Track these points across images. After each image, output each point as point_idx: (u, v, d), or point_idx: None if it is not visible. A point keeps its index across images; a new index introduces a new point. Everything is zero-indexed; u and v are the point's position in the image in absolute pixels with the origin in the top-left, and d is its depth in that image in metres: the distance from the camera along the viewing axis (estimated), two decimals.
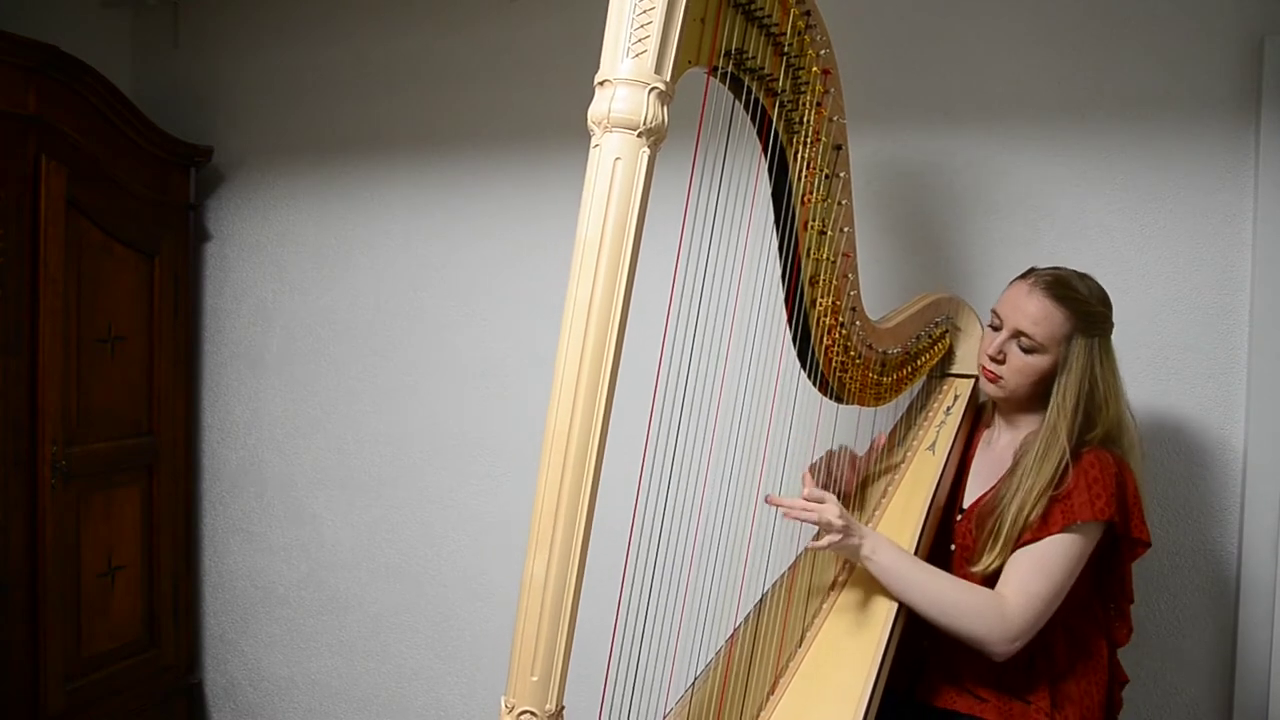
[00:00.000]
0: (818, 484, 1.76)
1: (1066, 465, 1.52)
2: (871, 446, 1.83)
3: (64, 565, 2.61)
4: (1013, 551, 1.53)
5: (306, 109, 3.02)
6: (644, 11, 0.96)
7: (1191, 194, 2.03)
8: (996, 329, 1.66)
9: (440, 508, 2.87)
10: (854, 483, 1.80)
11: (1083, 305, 1.60)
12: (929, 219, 2.25)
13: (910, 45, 2.26)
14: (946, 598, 1.49)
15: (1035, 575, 1.49)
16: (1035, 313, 1.59)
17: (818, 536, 1.53)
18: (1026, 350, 1.61)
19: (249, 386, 3.15)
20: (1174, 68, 2.03)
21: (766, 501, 1.53)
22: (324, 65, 2.98)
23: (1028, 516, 1.52)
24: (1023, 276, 1.67)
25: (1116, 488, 1.52)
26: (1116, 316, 2.06)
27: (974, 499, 1.70)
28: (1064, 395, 1.58)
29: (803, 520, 1.51)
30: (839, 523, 1.49)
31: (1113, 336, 1.66)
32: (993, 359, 1.65)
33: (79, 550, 2.68)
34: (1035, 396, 1.64)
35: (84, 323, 2.67)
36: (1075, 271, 1.66)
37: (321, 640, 3.07)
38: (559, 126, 2.56)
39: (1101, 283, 2.06)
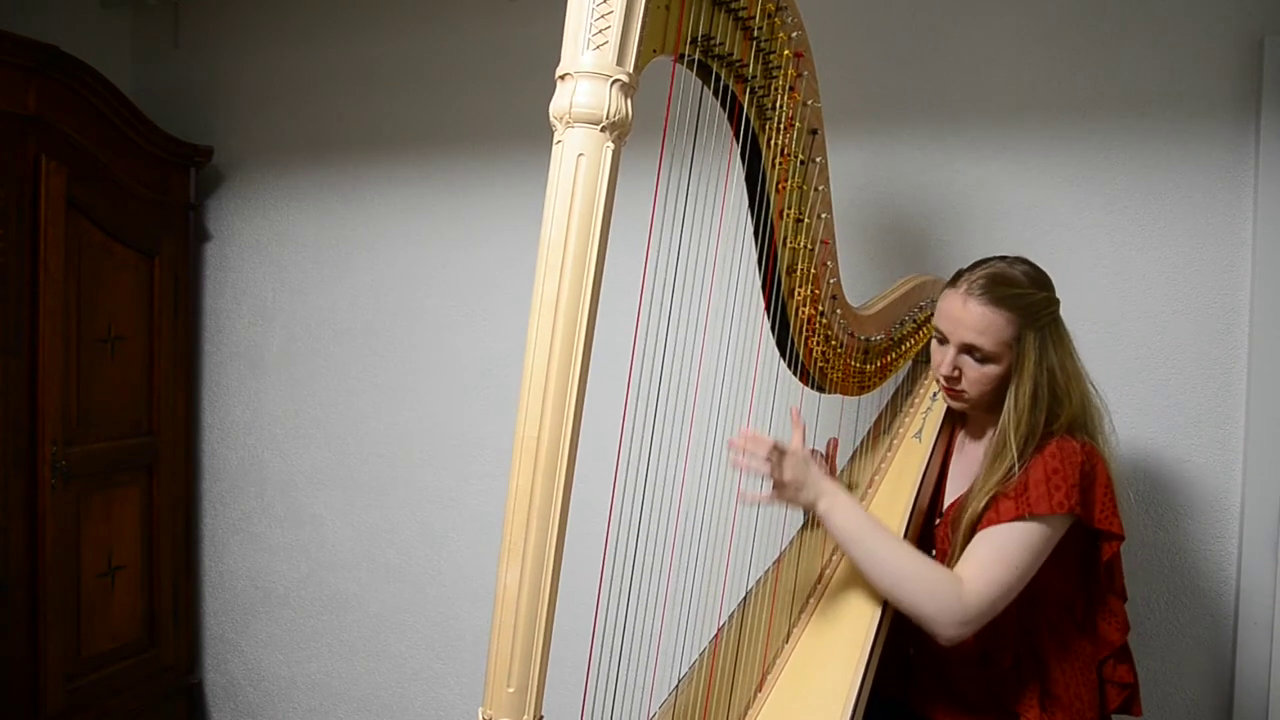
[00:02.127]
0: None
1: (1015, 471, 1.47)
2: (827, 455, 1.76)
3: (64, 565, 2.62)
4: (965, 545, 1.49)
5: (306, 109, 3.02)
6: (604, 1, 0.94)
7: (1191, 194, 2.02)
8: (942, 342, 1.58)
9: (440, 508, 2.87)
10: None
11: (1022, 299, 1.51)
12: (929, 219, 2.25)
13: (911, 45, 2.25)
14: (901, 569, 1.43)
15: (995, 560, 1.43)
16: (976, 323, 1.51)
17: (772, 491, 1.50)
18: (981, 361, 1.53)
19: (249, 387, 3.15)
20: (1174, 68, 2.02)
21: (730, 444, 1.48)
22: (324, 65, 2.98)
23: (976, 510, 1.48)
24: (952, 284, 1.57)
25: (1081, 478, 1.46)
26: (1116, 315, 2.07)
27: (951, 502, 1.67)
28: (1017, 398, 1.51)
29: (750, 466, 1.47)
30: (788, 475, 1.46)
31: (1070, 324, 1.59)
32: (949, 377, 1.57)
33: (79, 550, 2.68)
34: (1003, 397, 1.56)
35: (84, 323, 2.67)
36: (1004, 259, 1.58)
37: (321, 640, 3.07)
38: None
39: (1101, 284, 2.07)
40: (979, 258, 1.64)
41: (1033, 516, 1.44)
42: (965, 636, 1.42)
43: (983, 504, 1.49)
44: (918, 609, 1.42)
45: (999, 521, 1.45)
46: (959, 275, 1.58)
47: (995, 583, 1.42)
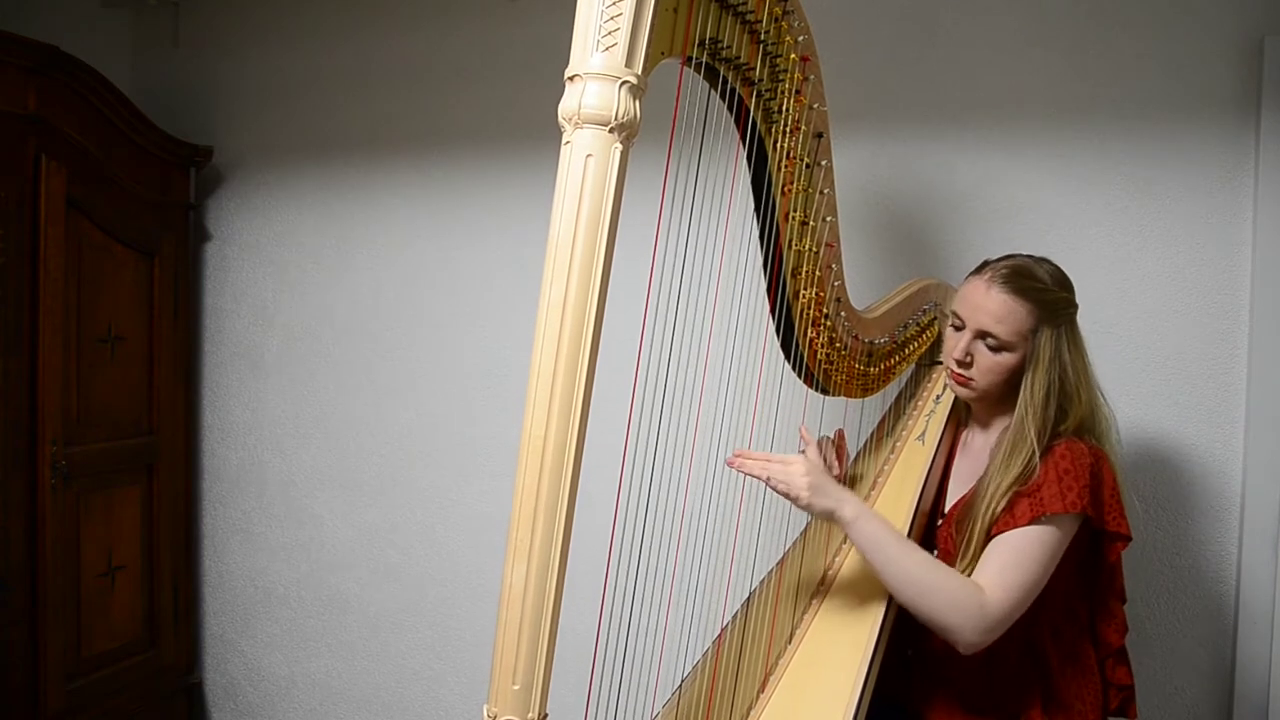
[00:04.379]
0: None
1: (1034, 462, 1.48)
2: (836, 445, 1.76)
3: (64, 565, 2.61)
4: (983, 547, 1.48)
5: (306, 109, 3.02)
6: (614, 3, 0.94)
7: (1191, 194, 2.03)
8: (958, 329, 1.59)
9: (440, 508, 2.87)
10: (843, 472, 1.76)
11: (1045, 294, 1.53)
12: (929, 219, 2.25)
13: (911, 46, 2.26)
14: (926, 579, 1.43)
15: (1012, 566, 1.43)
16: (997, 310, 1.52)
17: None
18: (994, 350, 1.55)
19: (249, 387, 3.15)
20: (1174, 68, 2.03)
21: (728, 464, 1.47)
22: (324, 65, 2.98)
23: (994, 511, 1.48)
24: (977, 272, 1.59)
25: (1090, 479, 1.46)
26: (1116, 315, 2.07)
27: (954, 503, 1.67)
28: (1032, 391, 1.52)
29: (760, 478, 1.45)
30: (804, 480, 1.44)
31: (1078, 319, 1.59)
32: (960, 362, 1.58)
33: (79, 550, 2.68)
34: (1009, 394, 1.58)
35: (84, 323, 2.66)
36: (1030, 257, 1.59)
37: (321, 640, 3.07)
38: (559, 126, 2.55)
39: (1101, 284, 2.08)
40: (981, 259, 1.64)
41: (1047, 518, 1.44)
42: (987, 644, 1.42)
43: (1002, 504, 1.48)
44: (940, 619, 1.42)
45: (1014, 525, 1.45)
46: (985, 265, 1.60)
47: (1014, 587, 1.42)
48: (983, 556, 1.48)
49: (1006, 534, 1.46)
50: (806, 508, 1.47)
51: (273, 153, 3.07)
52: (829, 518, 1.48)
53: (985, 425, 1.70)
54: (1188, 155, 2.03)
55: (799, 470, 1.45)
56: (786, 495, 1.46)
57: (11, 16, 2.58)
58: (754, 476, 1.46)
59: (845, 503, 1.47)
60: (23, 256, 2.45)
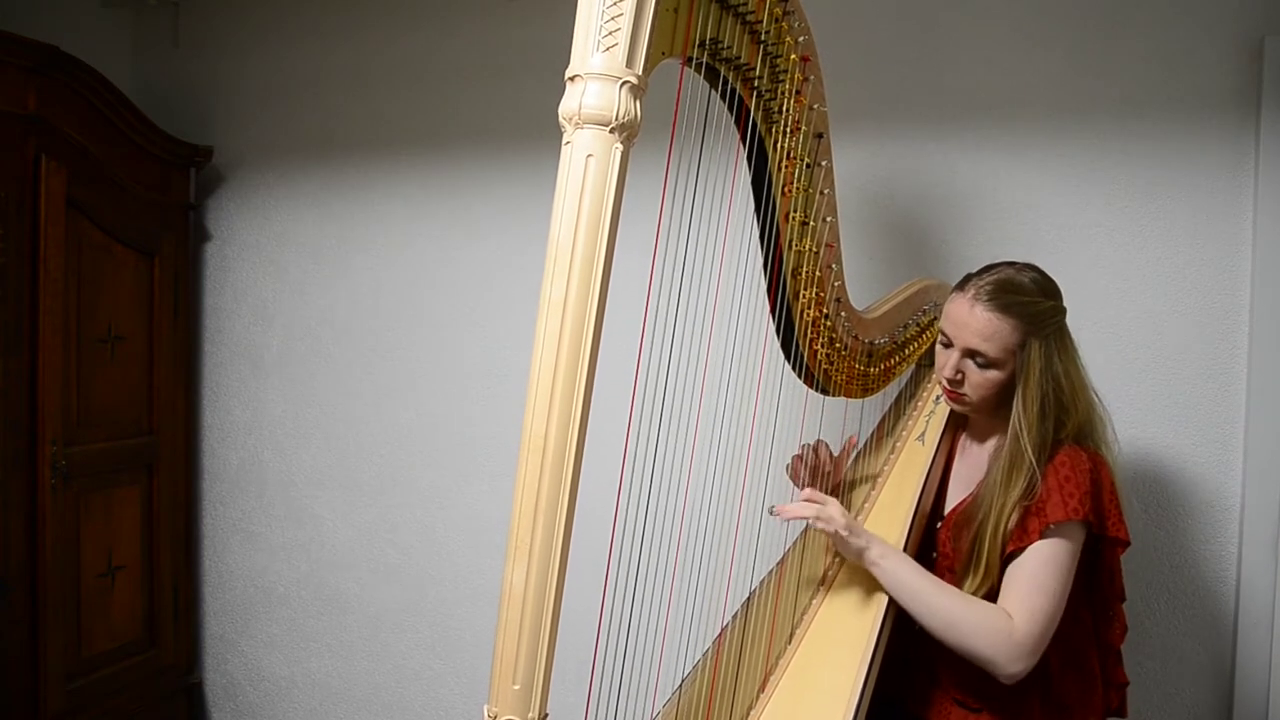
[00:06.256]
0: (804, 475, 1.74)
1: (1034, 476, 1.48)
2: (843, 451, 1.80)
3: (64, 565, 2.61)
4: (1000, 567, 1.49)
5: (306, 109, 3.02)
6: (614, 3, 0.94)
7: (1191, 194, 2.03)
8: (947, 346, 1.58)
9: (440, 508, 2.87)
10: (839, 476, 1.77)
11: (1029, 307, 1.51)
12: (930, 219, 2.25)
13: (911, 45, 2.26)
14: (954, 613, 1.45)
15: (1033, 590, 1.44)
16: (982, 328, 1.51)
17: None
18: (984, 367, 1.54)
19: (249, 387, 3.15)
20: (1174, 68, 2.03)
21: (771, 513, 1.51)
22: (324, 65, 2.98)
23: (1004, 530, 1.48)
24: (960, 288, 1.57)
25: (1091, 485, 1.47)
26: (1116, 315, 2.07)
27: (953, 506, 1.67)
28: (1025, 404, 1.51)
29: (806, 518, 1.49)
30: (842, 520, 1.48)
31: (1067, 323, 1.58)
32: (951, 380, 1.58)
33: (79, 550, 2.68)
34: (1004, 403, 1.57)
35: (84, 323, 2.67)
36: (1012, 265, 1.58)
37: (321, 640, 3.07)
38: (558, 126, 2.55)
39: (1101, 283, 2.08)
40: (984, 261, 1.64)
41: (1054, 528, 1.45)
42: (1027, 670, 1.43)
43: (1013, 521, 1.49)
44: (972, 650, 1.44)
45: (1027, 540, 1.46)
46: (967, 279, 1.58)
47: (1039, 610, 1.43)
48: (1003, 586, 1.49)
49: (1021, 559, 1.47)
50: (842, 545, 1.51)
51: (273, 153, 3.07)
52: (858, 556, 1.51)
53: (983, 432, 1.70)
54: (1188, 155, 2.03)
55: (836, 511, 1.50)
56: (826, 531, 1.51)
57: (11, 16, 2.58)
58: (802, 518, 1.51)
59: (874, 542, 1.50)
60: (23, 256, 2.45)
